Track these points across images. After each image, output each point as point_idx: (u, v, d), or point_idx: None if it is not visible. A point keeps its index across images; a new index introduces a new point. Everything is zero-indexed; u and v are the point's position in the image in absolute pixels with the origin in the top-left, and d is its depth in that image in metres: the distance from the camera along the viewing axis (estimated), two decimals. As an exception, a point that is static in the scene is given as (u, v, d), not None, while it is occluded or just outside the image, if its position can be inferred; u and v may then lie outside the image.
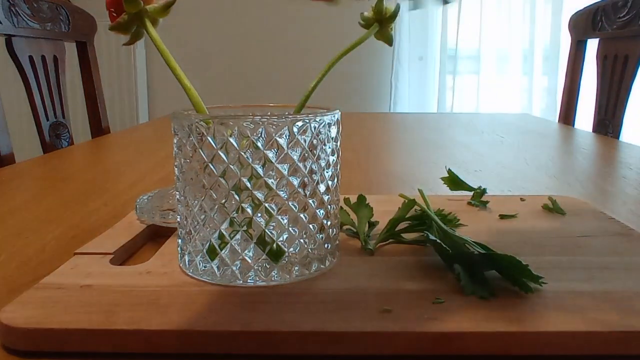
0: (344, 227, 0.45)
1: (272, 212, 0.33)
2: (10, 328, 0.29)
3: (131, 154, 1.03)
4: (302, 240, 0.34)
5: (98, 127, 1.46)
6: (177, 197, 0.36)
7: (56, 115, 1.32)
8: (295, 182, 0.33)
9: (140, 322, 0.29)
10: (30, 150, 1.38)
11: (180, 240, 0.36)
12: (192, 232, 0.35)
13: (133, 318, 0.30)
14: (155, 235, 0.46)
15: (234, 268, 0.34)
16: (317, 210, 0.35)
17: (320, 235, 0.35)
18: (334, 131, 0.35)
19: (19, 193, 0.67)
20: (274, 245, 0.34)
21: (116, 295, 0.32)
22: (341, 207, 0.45)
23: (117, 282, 0.34)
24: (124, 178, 0.76)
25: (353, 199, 0.46)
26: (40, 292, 0.33)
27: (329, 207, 0.36)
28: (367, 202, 0.45)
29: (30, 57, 1.26)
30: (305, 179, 0.34)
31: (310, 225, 0.35)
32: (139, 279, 0.35)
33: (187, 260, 0.35)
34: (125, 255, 0.42)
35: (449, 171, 0.54)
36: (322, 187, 0.35)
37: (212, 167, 0.33)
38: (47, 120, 1.29)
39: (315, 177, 0.34)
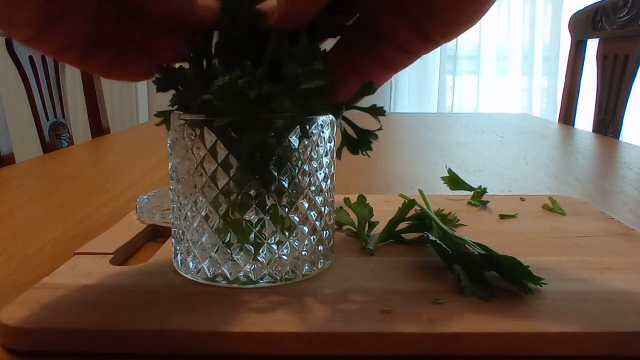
0: (344, 227, 0.45)
1: (262, 213, 0.33)
2: (10, 328, 0.29)
3: (131, 154, 1.03)
4: (293, 242, 0.34)
5: (98, 127, 1.46)
6: (171, 197, 0.36)
7: (56, 115, 1.32)
8: (286, 183, 0.33)
9: (140, 322, 0.29)
10: (30, 150, 1.38)
11: (174, 240, 0.36)
12: (185, 232, 0.35)
13: (133, 318, 0.30)
14: (155, 235, 0.46)
15: (224, 269, 0.34)
16: (309, 212, 0.35)
17: (313, 237, 0.35)
18: (327, 132, 0.35)
19: (19, 193, 0.67)
20: (264, 246, 0.33)
21: (116, 295, 0.32)
22: (341, 207, 0.45)
23: (117, 282, 0.34)
24: (124, 178, 0.76)
25: (353, 199, 0.46)
26: (40, 292, 0.33)
27: (322, 208, 0.35)
28: (367, 202, 0.45)
29: (30, 57, 1.26)
30: (296, 180, 0.34)
31: (302, 227, 0.34)
32: (139, 279, 0.35)
33: (179, 260, 0.36)
34: (125, 255, 0.42)
35: (449, 171, 0.54)
36: (313, 189, 0.35)
37: (202, 167, 0.33)
38: (47, 120, 1.29)
39: (307, 179, 0.34)
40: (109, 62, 0.33)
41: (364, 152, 0.35)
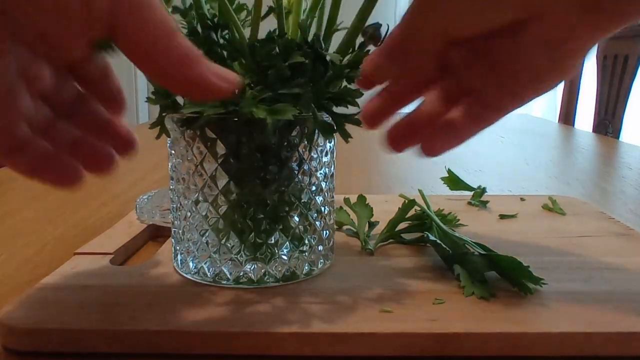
0: (344, 227, 0.45)
1: (262, 213, 0.33)
2: (10, 328, 0.29)
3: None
4: (293, 242, 0.34)
5: (98, 127, 1.46)
6: (171, 197, 0.36)
7: (56, 115, 1.32)
8: (286, 183, 0.33)
9: (140, 322, 0.29)
10: (30, 150, 1.38)
11: (173, 240, 0.36)
12: (185, 232, 0.35)
13: (133, 318, 0.30)
14: (155, 235, 0.46)
15: (225, 269, 0.34)
16: (309, 212, 0.35)
17: (312, 237, 0.35)
18: None
19: (19, 193, 0.67)
20: (264, 246, 0.33)
21: (116, 295, 0.32)
22: (341, 207, 0.45)
23: (117, 282, 0.34)
24: (124, 178, 0.76)
25: (353, 199, 0.46)
26: (40, 292, 0.33)
27: (322, 208, 0.35)
28: (367, 202, 0.45)
29: (30, 57, 1.25)
30: (296, 180, 0.34)
31: (302, 227, 0.34)
32: (139, 279, 0.35)
33: (179, 260, 0.36)
34: (125, 255, 0.42)
35: (449, 171, 0.54)
36: (314, 189, 0.35)
37: (202, 167, 0.33)
38: (47, 120, 1.28)
39: (307, 179, 0.34)
40: (35, 163, 0.28)
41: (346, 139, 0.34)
